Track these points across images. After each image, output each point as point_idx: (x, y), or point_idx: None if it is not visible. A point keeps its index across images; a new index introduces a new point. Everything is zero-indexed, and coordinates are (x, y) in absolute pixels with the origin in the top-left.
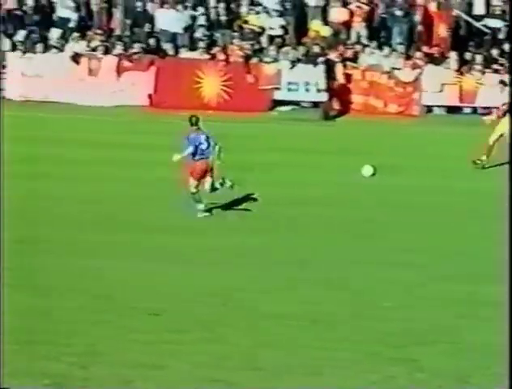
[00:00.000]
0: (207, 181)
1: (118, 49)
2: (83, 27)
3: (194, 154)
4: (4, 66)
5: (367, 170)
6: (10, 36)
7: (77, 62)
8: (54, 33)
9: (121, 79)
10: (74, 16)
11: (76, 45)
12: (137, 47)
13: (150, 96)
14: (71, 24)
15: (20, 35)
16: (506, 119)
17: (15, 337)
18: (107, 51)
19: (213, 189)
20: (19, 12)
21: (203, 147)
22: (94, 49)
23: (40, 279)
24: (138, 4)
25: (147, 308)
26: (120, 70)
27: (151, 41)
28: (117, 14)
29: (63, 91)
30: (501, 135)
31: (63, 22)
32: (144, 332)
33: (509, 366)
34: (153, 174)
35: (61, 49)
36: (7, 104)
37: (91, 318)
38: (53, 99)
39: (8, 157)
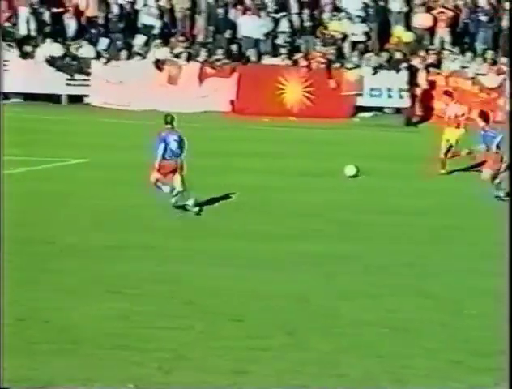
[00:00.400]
0: (177, 178)
1: (201, 55)
2: (166, 34)
3: (163, 153)
4: (88, 73)
5: (349, 170)
6: (93, 44)
7: (160, 69)
8: (138, 40)
9: (204, 86)
10: (157, 23)
11: (159, 52)
12: (219, 53)
13: (232, 103)
14: (155, 31)
15: (104, 42)
16: (452, 129)
17: (100, 342)
18: (190, 58)
19: (183, 189)
20: (102, 20)
21: (173, 146)
22: (177, 56)
23: (129, 285)
24: (221, 11)
25: (230, 314)
26: (202, 77)
27: (234, 48)
28: (200, 21)
29: (145, 97)
30: (451, 145)
31: (147, 29)
32: (227, 338)
33: (509, 366)
34: (245, 181)
35: (144, 56)
36: (92, 111)
37: (175, 323)
38: (135, 105)
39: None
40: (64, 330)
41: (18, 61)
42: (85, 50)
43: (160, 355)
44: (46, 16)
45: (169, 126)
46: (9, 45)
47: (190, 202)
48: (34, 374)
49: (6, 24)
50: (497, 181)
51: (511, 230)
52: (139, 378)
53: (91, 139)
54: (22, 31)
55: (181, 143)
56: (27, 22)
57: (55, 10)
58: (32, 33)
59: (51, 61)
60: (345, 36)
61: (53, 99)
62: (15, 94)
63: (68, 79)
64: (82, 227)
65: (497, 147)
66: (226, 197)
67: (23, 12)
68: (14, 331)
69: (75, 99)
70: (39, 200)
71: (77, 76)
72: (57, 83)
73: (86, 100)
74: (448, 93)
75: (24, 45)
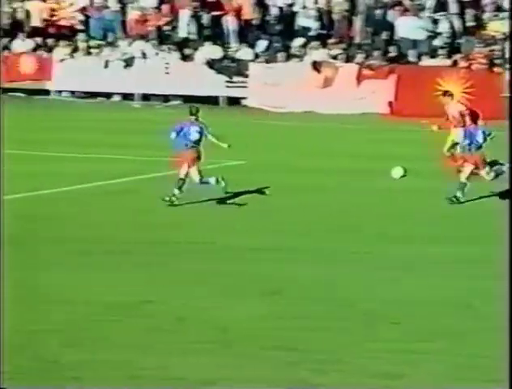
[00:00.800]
0: (194, 170)
1: (358, 57)
2: (323, 36)
3: (186, 143)
4: (246, 75)
5: (397, 172)
6: (252, 46)
7: (317, 70)
8: (296, 42)
9: (361, 87)
10: (315, 25)
11: (316, 54)
12: (376, 55)
13: (390, 104)
14: (312, 33)
15: (262, 45)
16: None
17: (254, 343)
18: (347, 59)
19: (202, 181)
20: (261, 22)
21: (193, 137)
22: (334, 58)
23: (284, 287)
24: (379, 12)
25: (387, 316)
26: (360, 78)
27: (391, 49)
28: (358, 22)
29: (302, 99)
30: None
31: (305, 31)
32: (384, 341)
33: (509, 366)
34: (399, 185)
35: (301, 58)
36: (249, 113)
37: (333, 325)
38: (292, 107)
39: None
40: (220, 330)
41: (178, 64)
42: (243, 52)
43: (315, 356)
44: (206, 19)
45: (193, 117)
46: (169, 49)
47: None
48: (189, 374)
49: (166, 28)
50: (463, 180)
51: (511, 230)
52: (294, 379)
53: (248, 141)
54: (182, 34)
55: (201, 134)
56: (188, 25)
57: (215, 13)
58: (192, 36)
59: (210, 64)
60: (506, 36)
61: (212, 100)
62: (175, 96)
63: (227, 81)
64: (239, 229)
65: (479, 147)
66: (377, 200)
67: (184, 16)
68: (173, 330)
69: (233, 101)
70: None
71: (235, 78)
72: (216, 85)
73: (243, 101)
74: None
75: (184, 48)
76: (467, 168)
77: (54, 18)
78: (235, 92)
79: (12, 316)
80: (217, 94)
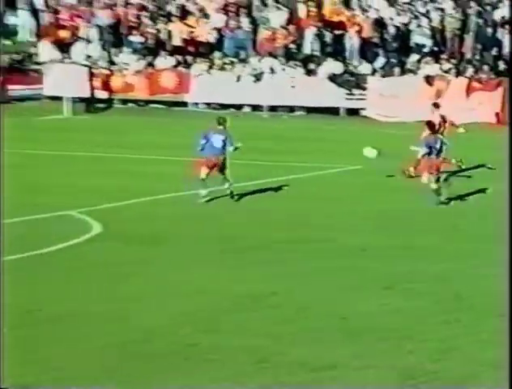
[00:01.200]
0: (220, 176)
1: (468, 71)
2: (436, 52)
3: (206, 150)
4: (365, 88)
5: (369, 152)
6: (370, 62)
7: (429, 84)
8: (411, 58)
9: (471, 99)
10: (428, 42)
11: (429, 68)
12: (485, 69)
13: (497, 115)
14: (426, 50)
15: (380, 60)
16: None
17: (375, 333)
18: (458, 73)
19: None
20: (379, 40)
21: (217, 144)
22: (446, 72)
23: (397, 281)
24: (489, 30)
25: (494, 310)
26: (469, 91)
27: (500, 64)
28: (469, 39)
29: (415, 109)
30: None
31: (419, 47)
32: (489, 332)
33: (509, 366)
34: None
35: (415, 72)
36: (366, 122)
37: (443, 317)
38: (405, 117)
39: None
40: (340, 319)
41: (303, 78)
42: (362, 67)
43: (429, 345)
44: (328, 38)
45: (221, 126)
46: (295, 64)
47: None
48: (311, 359)
49: (292, 46)
50: (433, 186)
51: (511, 229)
52: (410, 366)
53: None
54: (306, 51)
55: (225, 142)
56: (312, 43)
57: (337, 32)
58: (316, 53)
59: (332, 78)
60: None
61: (333, 111)
62: (300, 107)
63: (347, 94)
64: (360, 228)
65: (438, 153)
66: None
67: (309, 34)
68: (295, 319)
69: (352, 111)
70: (320, 203)
71: (355, 91)
72: (337, 97)
73: (362, 112)
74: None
75: (309, 64)
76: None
77: (193, 38)
78: (354, 104)
79: (155, 306)
80: (338, 105)
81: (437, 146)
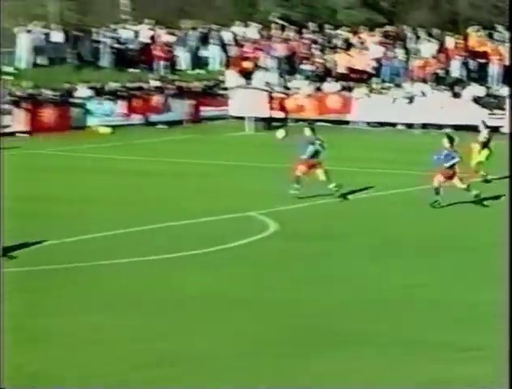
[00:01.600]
0: (322, 174)
1: None
2: None
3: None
4: (504, 109)
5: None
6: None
7: None
8: None
9: None
10: None
11: None
12: None
13: None
14: None
15: None
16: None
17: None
18: None
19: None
20: None
21: (312, 149)
22: None
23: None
24: None
25: None
26: None
27: None
28: None
29: None
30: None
31: None
32: None
33: (509, 366)
34: None
35: None
36: (503, 137)
37: None
38: None
39: None
40: (469, 307)
41: (450, 100)
42: (503, 91)
43: None
44: (472, 65)
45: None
46: (443, 88)
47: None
48: (453, 341)
49: (441, 72)
50: (435, 185)
51: (511, 230)
52: None
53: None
54: (454, 76)
55: (323, 147)
56: (459, 70)
57: (480, 60)
58: (462, 78)
59: (476, 100)
60: None
61: (475, 129)
62: (447, 125)
63: (489, 114)
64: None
65: (451, 165)
66: None
67: (456, 62)
68: (431, 309)
69: (493, 129)
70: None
71: (495, 111)
72: (479, 116)
73: (501, 129)
74: None
75: (455, 87)
76: None
77: (355, 66)
78: (495, 122)
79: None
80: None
81: None
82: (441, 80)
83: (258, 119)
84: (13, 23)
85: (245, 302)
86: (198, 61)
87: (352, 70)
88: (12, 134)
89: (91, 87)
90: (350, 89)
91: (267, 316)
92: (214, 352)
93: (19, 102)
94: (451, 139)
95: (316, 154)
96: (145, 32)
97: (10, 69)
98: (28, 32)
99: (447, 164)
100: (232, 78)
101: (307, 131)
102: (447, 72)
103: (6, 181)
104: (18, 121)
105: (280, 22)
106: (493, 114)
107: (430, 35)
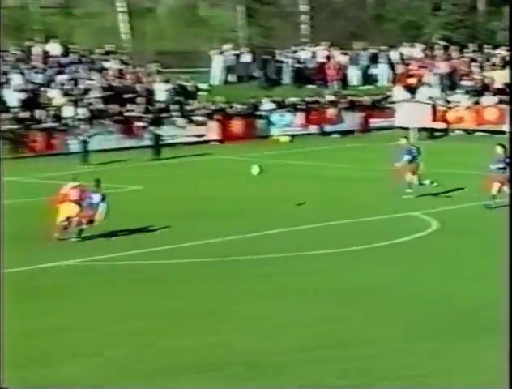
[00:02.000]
0: (415, 177)
1: None
2: None
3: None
4: None
5: (254, 170)
6: None
7: None
8: None
9: None
10: None
11: None
12: None
13: None
14: None
15: None
16: None
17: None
18: None
19: (420, 184)
20: None
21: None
22: None
23: None
24: None
25: None
26: None
27: None
28: None
29: None
30: None
31: None
32: None
33: (509, 366)
34: None
35: None
36: None
37: None
38: None
39: None
40: None
41: None
42: None
43: None
44: None
45: (407, 141)
46: None
47: (427, 182)
48: None
49: None
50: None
51: (511, 230)
52: None
53: None
54: None
55: (419, 152)
56: None
57: None
58: None
59: None
60: None
61: None
62: None
63: None
64: None
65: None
66: None
67: None
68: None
69: None
70: None
71: None
72: None
73: None
74: None
75: None
76: None
77: None
78: None
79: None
80: None
81: None
82: None
83: (421, 129)
84: (208, 46)
85: (409, 294)
86: (368, 78)
87: (508, 85)
88: (206, 142)
89: (273, 101)
90: (507, 103)
91: (428, 307)
92: (383, 336)
93: (213, 114)
94: None
95: (413, 159)
96: (321, 53)
97: (205, 86)
98: (221, 53)
99: None
100: (398, 93)
101: (402, 140)
102: None
103: (200, 182)
104: (211, 131)
105: (443, 42)
106: None
107: None
